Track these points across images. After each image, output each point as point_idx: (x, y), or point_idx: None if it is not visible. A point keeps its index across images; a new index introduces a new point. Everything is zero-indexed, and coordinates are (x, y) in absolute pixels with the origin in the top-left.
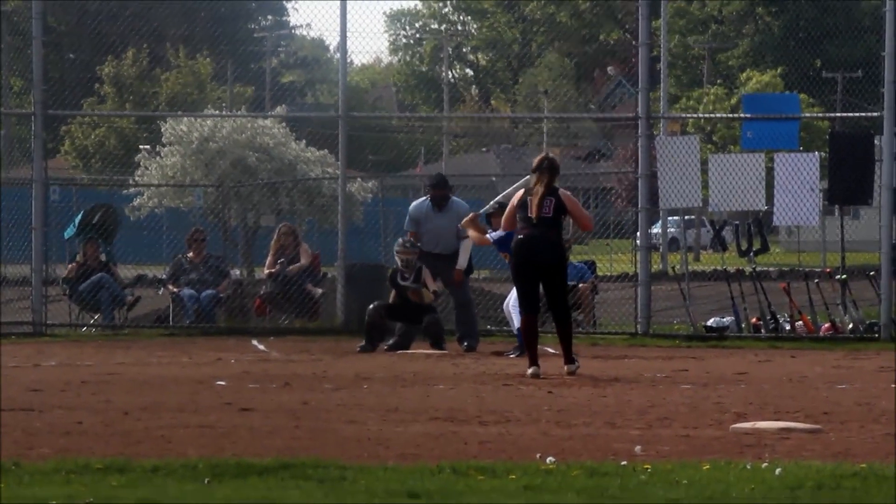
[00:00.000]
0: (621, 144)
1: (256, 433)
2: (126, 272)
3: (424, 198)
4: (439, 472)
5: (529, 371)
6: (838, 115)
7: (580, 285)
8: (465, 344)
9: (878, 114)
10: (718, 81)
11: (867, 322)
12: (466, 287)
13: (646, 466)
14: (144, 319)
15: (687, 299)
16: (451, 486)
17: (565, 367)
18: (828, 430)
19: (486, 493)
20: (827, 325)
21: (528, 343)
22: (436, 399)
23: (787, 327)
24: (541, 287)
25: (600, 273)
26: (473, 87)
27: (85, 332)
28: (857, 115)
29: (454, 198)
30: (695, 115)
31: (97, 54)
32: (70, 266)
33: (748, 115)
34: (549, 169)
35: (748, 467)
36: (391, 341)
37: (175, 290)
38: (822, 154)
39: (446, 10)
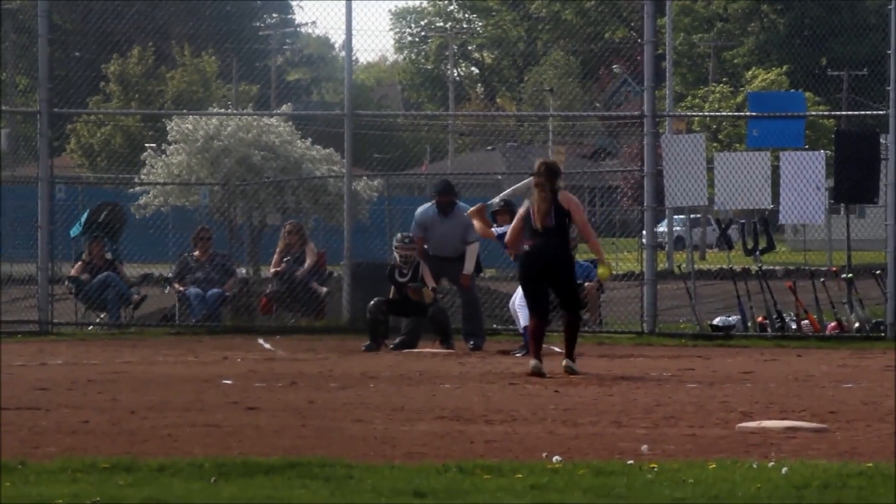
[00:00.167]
0: (627, 143)
1: (263, 432)
2: (132, 271)
3: (430, 203)
4: (445, 471)
5: (532, 363)
6: (844, 113)
7: (586, 284)
8: (471, 343)
9: (884, 112)
10: (724, 79)
11: (873, 321)
12: (473, 286)
13: (652, 465)
14: (150, 318)
15: (693, 298)
16: (457, 485)
17: (563, 361)
18: (834, 430)
19: (492, 492)
20: (833, 323)
21: (533, 341)
22: (442, 398)
23: (794, 326)
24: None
25: None
26: (479, 85)
27: (91, 330)
28: (862, 113)
29: (460, 203)
30: (700, 114)
31: (103, 52)
32: (76, 265)
33: (754, 114)
34: (546, 174)
35: (754, 466)
36: (397, 340)
37: (181, 288)
38: (828, 152)
39: (452, 8)
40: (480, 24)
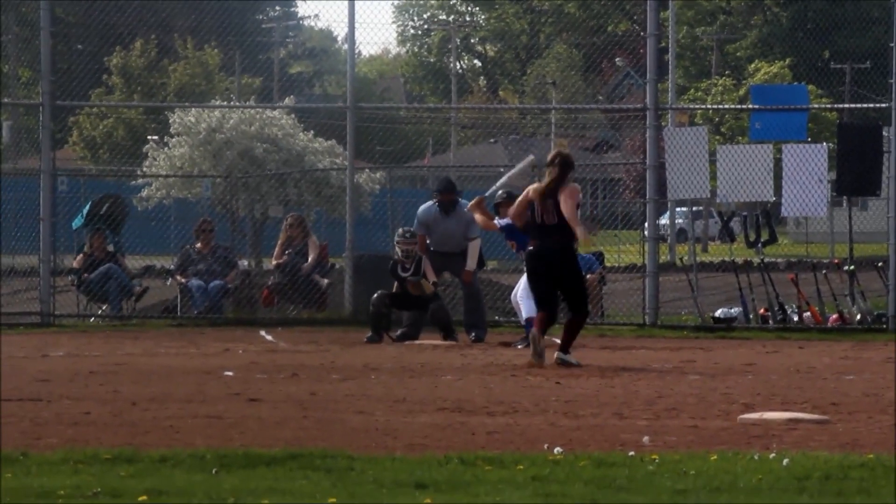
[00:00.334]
0: (629, 135)
1: (264, 423)
2: (134, 263)
3: (432, 202)
4: (447, 462)
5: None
6: (847, 106)
7: (588, 276)
8: (473, 335)
9: (887, 104)
10: (727, 72)
11: (875, 313)
12: (475, 277)
13: (653, 457)
14: (152, 310)
15: (695, 290)
16: (458, 476)
17: (556, 353)
18: (835, 421)
19: (493, 484)
20: (835, 315)
21: (538, 330)
22: (443, 390)
23: (795, 318)
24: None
25: (608, 264)
26: (481, 77)
27: (93, 322)
28: (865, 105)
29: (462, 200)
30: (703, 107)
31: (105, 45)
32: (78, 257)
33: (756, 106)
34: (559, 165)
35: (756, 458)
36: (399, 332)
37: (183, 280)
38: (831, 145)
39: (454, 0)
40: (483, 16)
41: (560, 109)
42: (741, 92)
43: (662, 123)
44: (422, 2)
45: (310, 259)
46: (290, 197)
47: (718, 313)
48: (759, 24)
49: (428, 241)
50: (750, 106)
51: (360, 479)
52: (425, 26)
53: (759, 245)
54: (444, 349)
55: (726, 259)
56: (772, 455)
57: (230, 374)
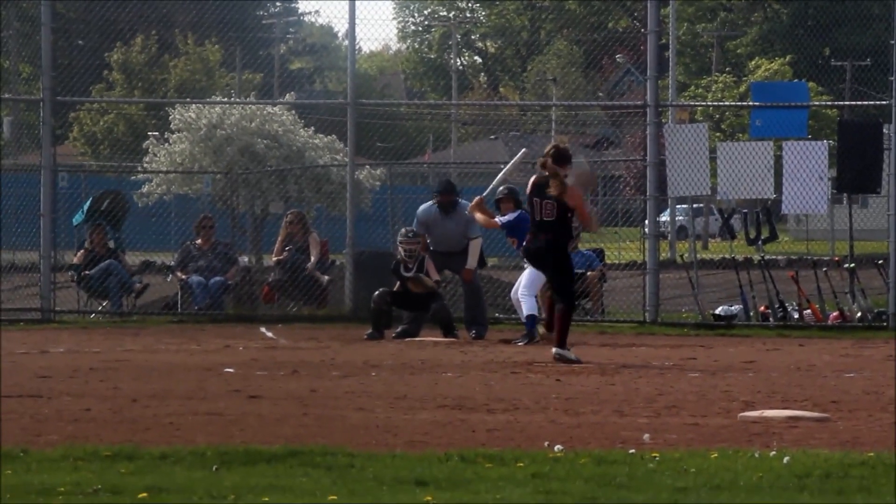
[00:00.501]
0: (629, 132)
1: (265, 420)
2: (134, 259)
3: (431, 202)
4: (447, 459)
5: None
6: (847, 103)
7: (588, 273)
8: (474, 332)
9: (887, 102)
10: (727, 69)
11: (875, 311)
12: (475, 275)
13: (654, 454)
14: (153, 306)
15: (695, 287)
16: (459, 473)
17: (553, 349)
18: (836, 419)
19: (494, 481)
20: (835, 313)
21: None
22: (444, 387)
23: (796, 316)
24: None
25: (608, 261)
26: (482, 74)
27: (93, 318)
28: (865, 103)
29: (462, 201)
30: (703, 104)
31: (106, 41)
32: (78, 253)
33: (757, 104)
34: (553, 157)
35: (756, 456)
36: (400, 329)
37: (183, 276)
38: (831, 142)
39: None
40: (484, 13)
41: (560, 106)
42: (742, 89)
43: (663, 120)
44: None
45: (312, 257)
46: (290, 193)
47: (719, 311)
48: (759, 21)
49: (428, 241)
50: (750, 103)
51: (360, 476)
52: (426, 22)
53: (760, 242)
54: (444, 346)
55: (727, 256)
56: (772, 453)
57: (230, 370)
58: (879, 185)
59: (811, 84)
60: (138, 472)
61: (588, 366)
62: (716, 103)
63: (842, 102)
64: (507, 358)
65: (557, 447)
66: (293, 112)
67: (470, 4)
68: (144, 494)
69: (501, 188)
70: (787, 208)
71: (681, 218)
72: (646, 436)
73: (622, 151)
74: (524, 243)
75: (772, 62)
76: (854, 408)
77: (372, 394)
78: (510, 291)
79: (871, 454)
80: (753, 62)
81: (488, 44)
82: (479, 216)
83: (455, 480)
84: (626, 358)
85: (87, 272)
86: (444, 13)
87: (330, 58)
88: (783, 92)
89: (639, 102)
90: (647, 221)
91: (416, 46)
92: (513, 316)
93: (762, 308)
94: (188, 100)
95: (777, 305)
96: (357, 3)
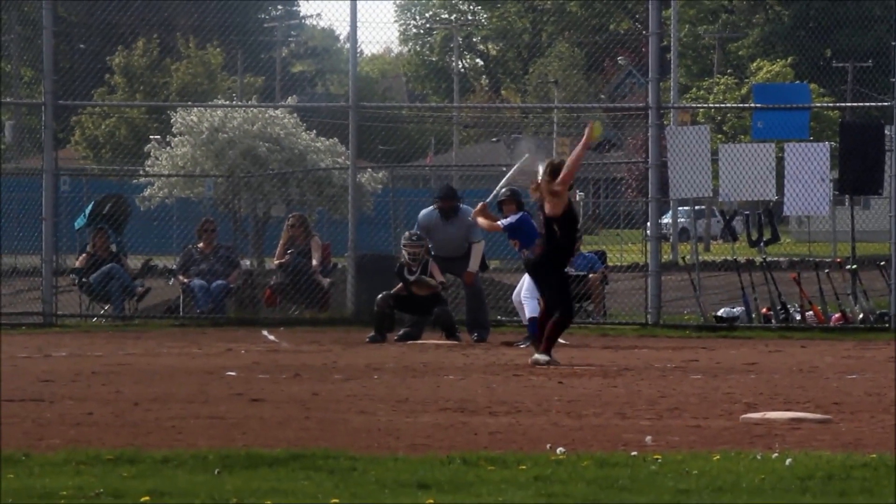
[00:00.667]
0: (631, 134)
1: (267, 424)
2: (136, 262)
3: (432, 207)
4: (449, 462)
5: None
6: (849, 104)
7: (590, 275)
8: (476, 334)
9: (889, 103)
10: (729, 71)
11: (877, 312)
12: (477, 278)
13: (656, 457)
14: (155, 310)
15: (697, 289)
16: (461, 476)
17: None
18: (838, 421)
19: (496, 484)
20: (837, 315)
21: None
22: (446, 389)
23: (798, 317)
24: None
25: (610, 263)
26: (483, 76)
27: (95, 322)
28: (867, 104)
29: (463, 206)
30: (705, 105)
31: (107, 44)
32: (80, 257)
33: (758, 105)
34: (550, 174)
35: (758, 458)
36: (402, 331)
37: (185, 280)
38: (833, 144)
39: None
40: (485, 15)
41: (562, 108)
42: (743, 91)
43: (665, 122)
44: (424, 1)
45: (314, 259)
46: (292, 196)
47: (721, 312)
48: (760, 23)
49: (430, 246)
50: (752, 105)
51: (362, 479)
52: (427, 25)
53: (762, 244)
54: (446, 349)
55: (728, 258)
56: (774, 455)
57: (232, 374)
58: (881, 186)
59: (813, 86)
60: (140, 475)
61: (590, 368)
62: (717, 105)
63: (843, 104)
64: (510, 360)
65: (560, 450)
66: (295, 115)
67: (471, 7)
68: (146, 498)
69: (504, 190)
70: (789, 210)
71: (683, 220)
72: (648, 438)
73: (624, 154)
74: (525, 252)
75: (773, 64)
76: (856, 409)
77: (374, 397)
78: (512, 294)
79: (874, 456)
80: (755, 64)
81: (490, 46)
82: (481, 221)
83: (457, 483)
84: (628, 360)
85: (88, 276)
86: (446, 16)
87: (332, 61)
88: (785, 94)
89: (640, 104)
90: (648, 223)
91: (418, 49)
92: (515, 318)
93: (764, 310)
94: (190, 103)
95: (779, 307)
96: (358, 6)
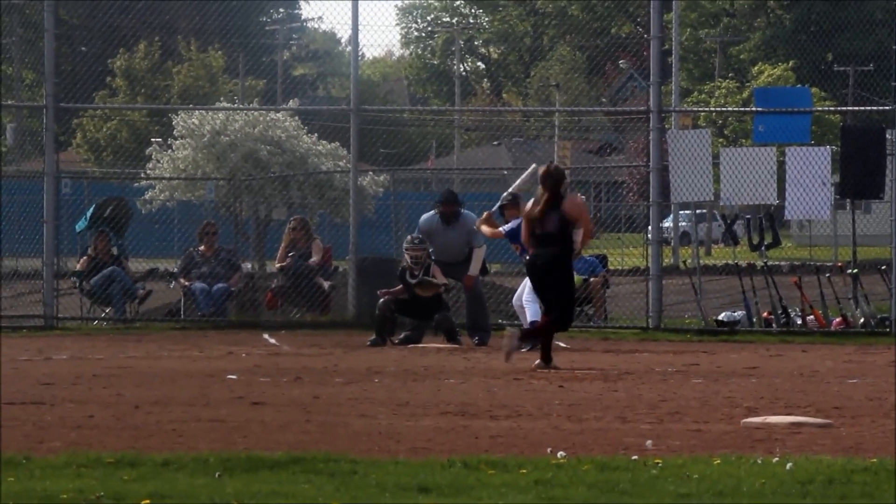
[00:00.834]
0: (632, 138)
1: (267, 427)
2: (137, 265)
3: (433, 212)
4: (450, 466)
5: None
6: (850, 108)
7: (591, 279)
8: (477, 338)
9: (890, 107)
10: (730, 75)
11: (878, 316)
12: (477, 281)
13: (657, 461)
14: (156, 313)
15: (698, 293)
16: (461, 480)
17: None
18: (839, 425)
19: (496, 488)
20: (838, 319)
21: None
22: (447, 393)
23: (799, 322)
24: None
25: (611, 267)
26: (485, 80)
27: (96, 325)
28: (868, 108)
29: (464, 211)
30: (706, 109)
31: (109, 47)
32: (82, 259)
33: (760, 109)
34: (548, 180)
35: (759, 462)
36: (403, 335)
37: (186, 283)
38: (834, 148)
39: (458, 3)
40: (487, 19)
41: (563, 112)
42: (744, 94)
43: (666, 126)
44: (425, 4)
45: (313, 259)
46: (293, 199)
47: (722, 316)
48: (762, 27)
49: (430, 251)
50: (753, 108)
51: (363, 482)
52: (429, 28)
53: (763, 248)
54: (447, 353)
55: (730, 262)
56: (775, 459)
57: (233, 377)
58: (882, 190)
59: (814, 89)
60: (141, 478)
61: (591, 372)
62: (719, 109)
63: (845, 108)
64: (510, 365)
65: (560, 453)
66: (296, 118)
67: (473, 10)
68: (147, 501)
69: (506, 195)
70: (790, 214)
71: (684, 224)
72: (648, 442)
73: (625, 157)
74: (527, 256)
75: (775, 67)
76: (857, 414)
77: (375, 400)
78: (512, 298)
79: (874, 460)
80: (756, 67)
81: (491, 49)
82: (485, 229)
83: (458, 487)
84: (628, 364)
85: (89, 279)
86: (447, 19)
87: (333, 64)
88: (786, 97)
89: (642, 108)
90: (650, 227)
91: (420, 52)
92: (515, 322)
93: (765, 314)
94: (191, 106)
95: (780, 311)
96: (360, 9)
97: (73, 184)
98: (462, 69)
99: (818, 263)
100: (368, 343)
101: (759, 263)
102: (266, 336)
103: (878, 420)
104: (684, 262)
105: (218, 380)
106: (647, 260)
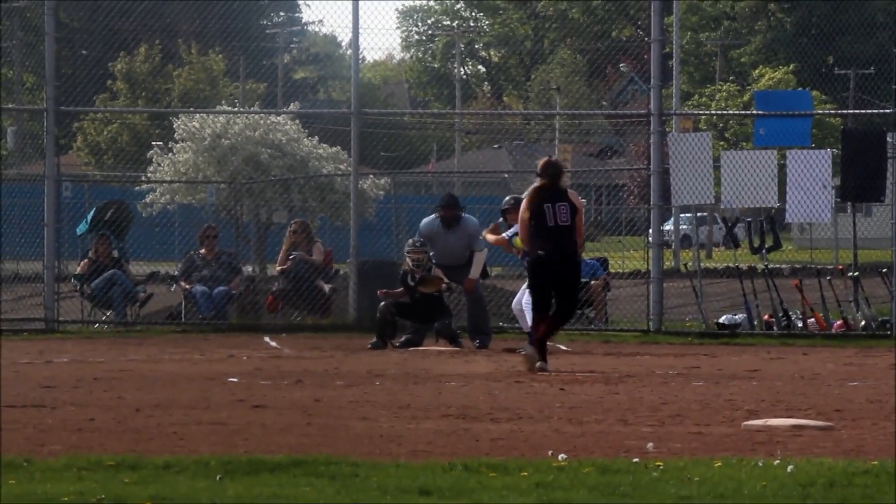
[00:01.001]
0: (633, 141)
1: (268, 430)
2: (138, 269)
3: (434, 216)
4: (451, 469)
5: (538, 365)
6: (851, 111)
7: (592, 282)
8: (478, 341)
9: (891, 110)
10: (731, 78)
11: (879, 319)
12: (478, 284)
13: (658, 463)
14: (156, 316)
15: (699, 296)
16: (462, 483)
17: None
18: (839, 428)
19: (497, 491)
20: (839, 322)
21: (538, 340)
22: (448, 396)
23: (800, 324)
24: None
25: (612, 270)
26: (486, 83)
27: (97, 328)
28: (869, 111)
29: (465, 215)
30: (707, 112)
31: (109, 50)
32: (82, 263)
33: (761, 112)
34: (550, 168)
35: (760, 464)
36: (403, 338)
37: (187, 286)
38: (835, 151)
39: (459, 6)
40: (487, 22)
41: (564, 115)
42: (745, 97)
43: (666, 129)
44: (426, 7)
45: (314, 257)
46: (294, 203)
47: (723, 319)
48: (763, 30)
49: (431, 255)
50: (754, 112)
51: (364, 485)
52: (429, 32)
53: (764, 251)
54: (448, 355)
55: (730, 265)
56: (776, 462)
57: (234, 380)
58: (883, 193)
59: (815, 93)
60: (142, 481)
61: (592, 375)
62: (719, 112)
63: (845, 111)
64: (511, 367)
65: (561, 456)
66: (297, 121)
67: (473, 14)
68: None
69: (508, 198)
70: (791, 217)
71: (684, 227)
72: (649, 445)
73: (626, 160)
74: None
75: (775, 71)
76: (858, 416)
77: (376, 403)
78: (513, 301)
79: (875, 463)
80: (757, 71)
81: (492, 53)
82: (490, 237)
83: (459, 490)
84: (629, 367)
85: (90, 282)
86: (448, 22)
87: (334, 67)
88: (787, 101)
89: (642, 111)
90: (650, 230)
91: (420, 56)
92: (516, 325)
93: (766, 317)
94: (192, 109)
95: (781, 314)
96: (361, 12)
97: (73, 187)
98: (463, 72)
99: (819, 266)
100: (369, 346)
101: (760, 266)
102: (267, 339)
103: (878, 423)
104: (685, 265)
105: (219, 383)
106: (647, 263)
